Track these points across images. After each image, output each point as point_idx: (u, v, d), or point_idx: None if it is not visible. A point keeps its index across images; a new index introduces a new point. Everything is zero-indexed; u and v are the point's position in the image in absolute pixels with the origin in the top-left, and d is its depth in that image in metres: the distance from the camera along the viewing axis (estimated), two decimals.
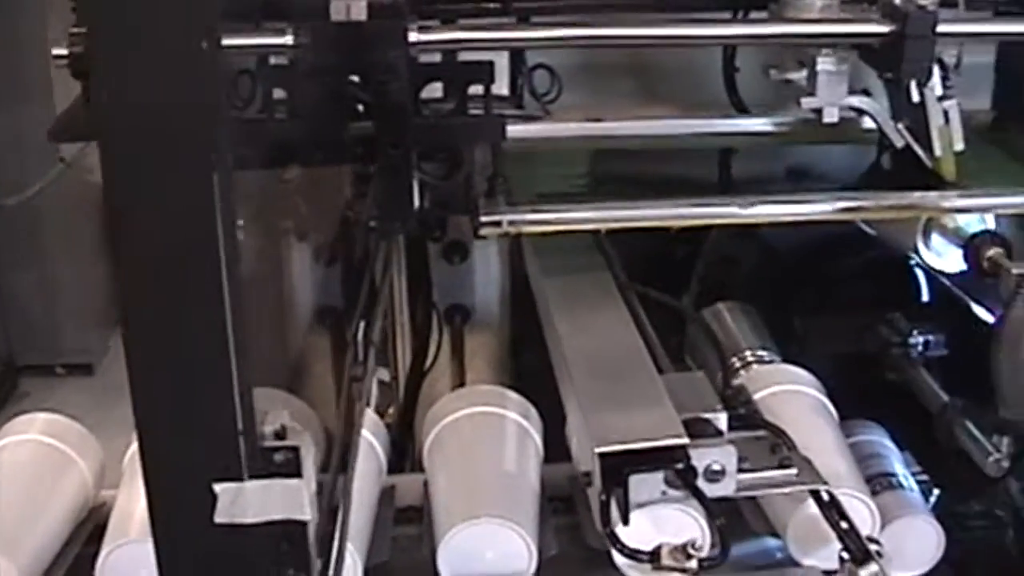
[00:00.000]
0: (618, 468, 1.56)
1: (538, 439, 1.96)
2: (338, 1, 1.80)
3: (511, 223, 1.97)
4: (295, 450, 1.22)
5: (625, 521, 1.59)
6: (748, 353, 2.18)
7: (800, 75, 2.09)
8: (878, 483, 2.17)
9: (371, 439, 1.94)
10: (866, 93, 2.15)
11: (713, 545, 1.62)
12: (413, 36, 1.83)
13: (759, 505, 1.88)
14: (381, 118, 1.86)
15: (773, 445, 1.72)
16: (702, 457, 1.60)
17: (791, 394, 2.04)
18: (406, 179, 1.92)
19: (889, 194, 2.11)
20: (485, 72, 1.96)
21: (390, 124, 1.86)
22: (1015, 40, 2.22)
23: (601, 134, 2.30)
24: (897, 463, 2.25)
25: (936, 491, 2.38)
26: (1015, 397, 1.91)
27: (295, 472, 1.23)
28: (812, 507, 1.74)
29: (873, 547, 1.73)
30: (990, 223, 2.14)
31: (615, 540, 1.57)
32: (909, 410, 2.25)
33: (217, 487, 1.21)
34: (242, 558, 1.26)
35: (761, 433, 1.74)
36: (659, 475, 1.59)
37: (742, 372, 2.12)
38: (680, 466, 1.58)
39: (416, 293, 2.41)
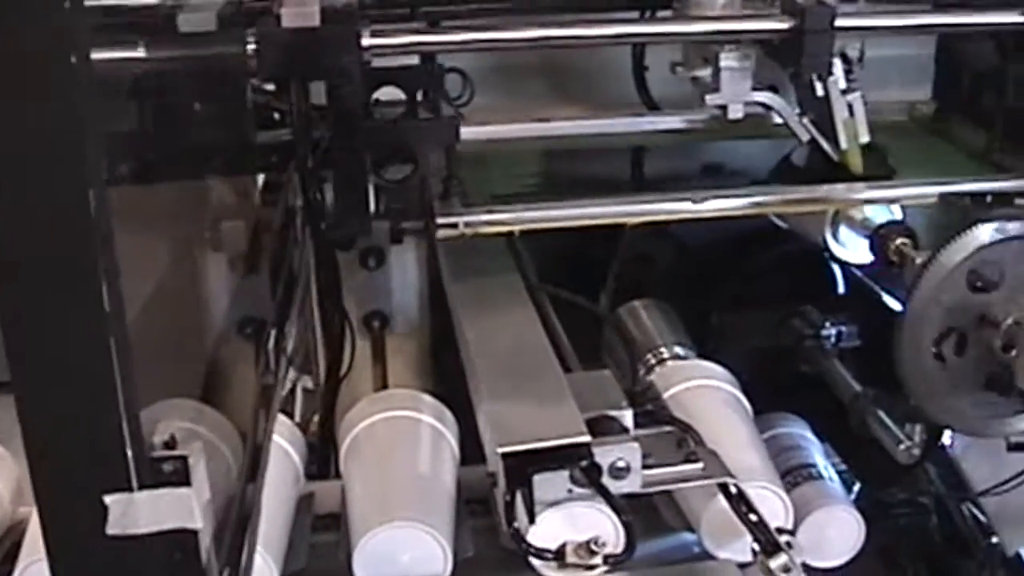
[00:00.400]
0: (521, 468, 1.57)
1: (454, 441, 1.96)
2: (291, 8, 1.81)
3: (467, 224, 2.01)
4: (184, 459, 1.22)
5: (531, 520, 1.59)
6: (663, 350, 2.19)
7: (706, 72, 2.11)
8: (798, 474, 2.19)
9: (286, 446, 1.94)
10: (773, 89, 2.17)
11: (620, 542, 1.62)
12: (366, 40, 1.86)
13: (674, 500, 1.89)
14: (335, 123, 1.90)
15: (680, 440, 1.73)
16: (606, 455, 1.60)
17: (704, 389, 2.05)
18: (362, 184, 1.95)
19: (798, 188, 2.14)
20: (437, 77, 2.05)
21: (344, 129, 1.90)
22: (915, 33, 2.26)
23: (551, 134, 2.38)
24: (817, 454, 2.27)
25: (858, 481, 2.40)
26: (919, 385, 1.93)
27: (184, 481, 1.22)
28: (724, 501, 1.75)
29: (784, 538, 1.75)
30: (898, 214, 2.16)
31: (519, 540, 1.57)
32: (827, 402, 2.27)
33: (107, 498, 1.20)
34: (137, 569, 1.25)
35: (668, 429, 1.75)
36: (564, 474, 1.59)
37: (657, 368, 2.13)
38: (584, 464, 1.58)
39: (328, 300, 2.40)
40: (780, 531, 1.78)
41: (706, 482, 1.69)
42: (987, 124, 2.39)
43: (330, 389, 2.48)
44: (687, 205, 2.07)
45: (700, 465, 1.69)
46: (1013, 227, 1.88)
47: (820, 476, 2.21)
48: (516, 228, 2.07)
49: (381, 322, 2.51)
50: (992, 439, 2.10)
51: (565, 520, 1.62)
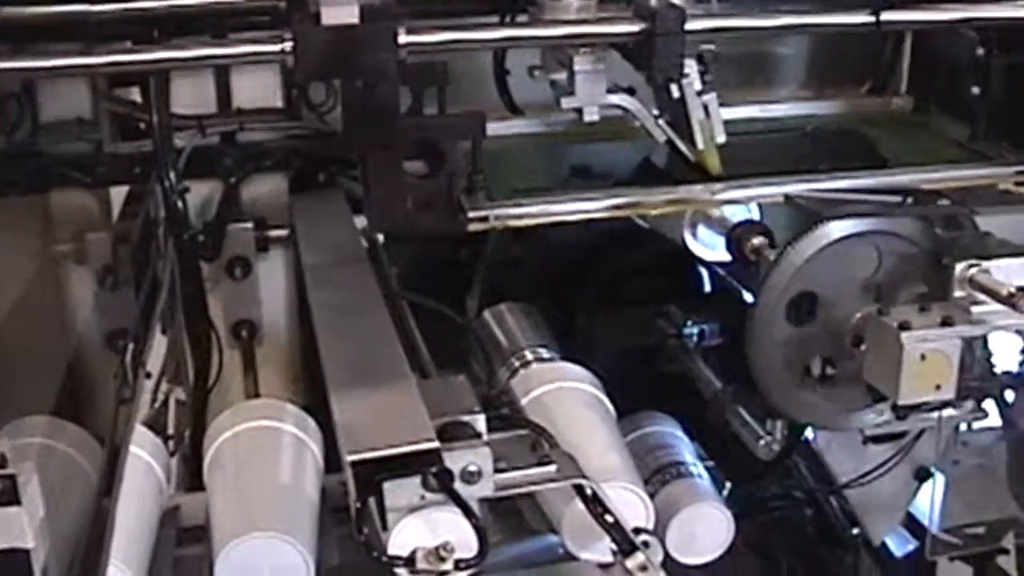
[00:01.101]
0: (371, 475, 1.56)
1: (317, 450, 1.96)
2: (330, 6, 1.84)
3: (497, 218, 2.09)
4: (12, 478, 1.21)
5: (384, 527, 1.58)
6: (527, 352, 2.20)
7: (562, 75, 2.12)
8: (667, 473, 2.21)
9: (148, 459, 1.92)
10: (630, 91, 2.18)
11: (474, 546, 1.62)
12: (403, 38, 1.89)
13: (537, 503, 1.90)
14: (370, 120, 1.93)
15: (534, 443, 1.73)
16: (457, 460, 1.60)
17: (565, 391, 2.06)
18: (398, 179, 2.00)
19: (658, 190, 2.15)
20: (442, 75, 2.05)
21: (380, 126, 1.93)
22: (765, 35, 2.30)
23: None
24: (687, 452, 2.29)
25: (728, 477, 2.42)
26: (770, 381, 1.95)
27: (13, 500, 1.22)
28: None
29: (642, 537, 1.76)
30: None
31: (370, 548, 1.57)
32: (697, 400, 2.28)
33: None
34: None
35: (522, 432, 1.75)
36: (415, 480, 1.58)
37: (520, 371, 2.14)
38: (435, 470, 1.58)
39: (193, 310, 2.39)
40: (639, 531, 1.79)
41: (559, 484, 1.69)
42: (966, 116, 2.47)
43: (199, 400, 2.47)
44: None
45: (554, 467, 1.69)
46: (862, 224, 1.91)
47: (689, 474, 2.23)
48: (543, 220, 2.15)
49: (249, 332, 2.50)
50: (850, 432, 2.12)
51: (419, 526, 1.61)
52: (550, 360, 2.19)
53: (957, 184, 2.29)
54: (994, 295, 1.78)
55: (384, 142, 1.96)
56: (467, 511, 1.60)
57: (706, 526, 2.16)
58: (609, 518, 1.72)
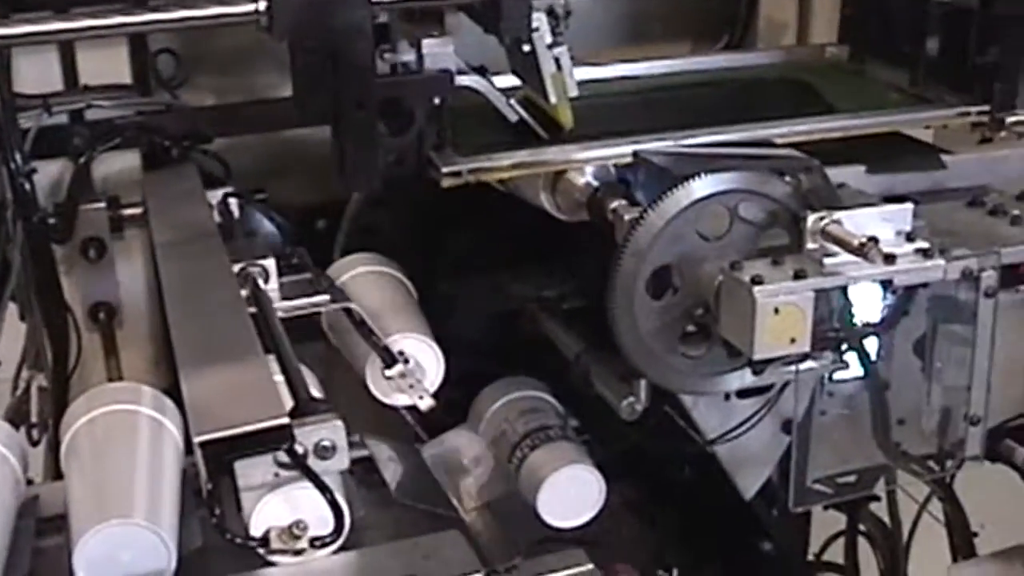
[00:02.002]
0: (221, 455, 1.53)
1: (176, 432, 1.92)
2: None
3: (471, 171, 2.08)
4: None
5: (238, 508, 1.56)
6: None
7: (411, 57, 2.10)
8: (536, 437, 2.20)
9: (2, 450, 1.88)
10: (481, 71, 2.17)
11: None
12: None
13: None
14: (345, 80, 1.95)
15: (315, 284, 1.76)
16: (309, 435, 1.57)
17: (367, 274, 2.25)
18: (371, 139, 2.02)
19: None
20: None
21: (354, 85, 1.97)
22: None
23: None
24: (556, 415, 2.27)
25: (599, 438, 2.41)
26: (631, 342, 1.94)
27: None
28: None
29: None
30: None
31: (223, 529, 1.54)
32: (559, 363, 2.27)
33: None
34: None
35: (309, 276, 1.79)
36: (267, 458, 1.55)
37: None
38: (286, 447, 1.55)
39: (47, 294, 2.34)
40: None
41: (332, 307, 1.80)
42: (901, 62, 2.52)
43: (60, 386, 2.42)
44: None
45: (327, 296, 1.79)
46: (722, 181, 1.90)
47: (560, 437, 2.22)
48: (516, 173, 2.12)
49: (108, 314, 2.45)
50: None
51: (273, 505, 1.59)
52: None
53: (901, 128, 2.39)
54: (845, 245, 1.78)
55: (359, 102, 1.99)
56: (322, 487, 1.57)
57: (579, 488, 2.15)
58: (375, 339, 1.89)
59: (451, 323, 2.33)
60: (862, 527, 3.08)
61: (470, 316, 2.39)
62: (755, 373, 1.95)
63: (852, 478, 2.36)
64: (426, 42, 2.08)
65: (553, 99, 2.14)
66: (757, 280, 1.76)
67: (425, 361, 2.07)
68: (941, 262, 1.85)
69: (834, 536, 3.20)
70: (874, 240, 1.79)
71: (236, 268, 1.72)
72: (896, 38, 2.57)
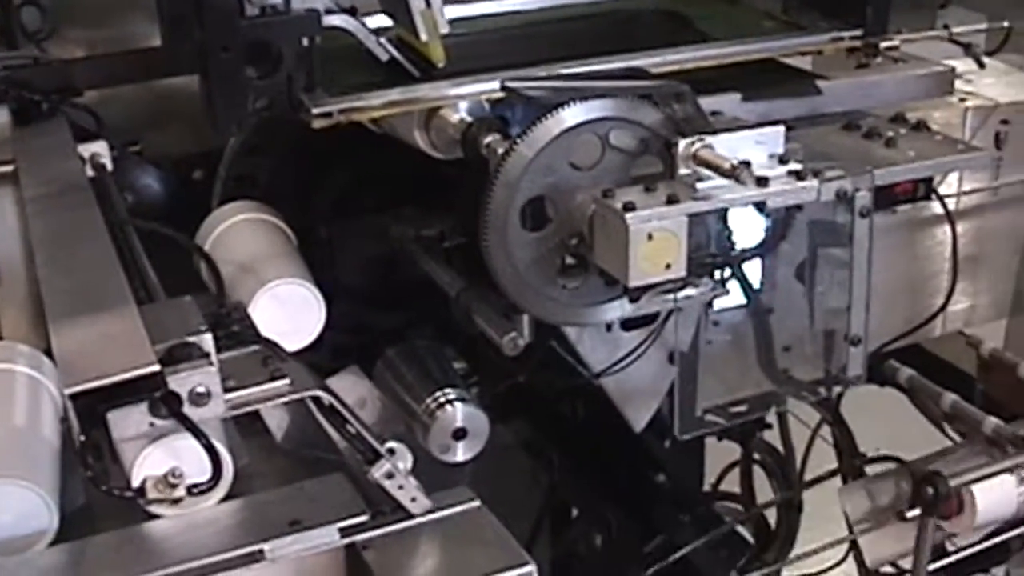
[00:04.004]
0: (92, 406, 1.51)
1: (55, 390, 1.89)
2: None
3: (342, 112, 2.06)
4: None
5: (113, 459, 1.53)
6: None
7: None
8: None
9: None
10: (351, 11, 2.15)
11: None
12: None
13: None
14: (210, 23, 1.93)
15: (265, 358, 1.68)
16: (183, 382, 1.55)
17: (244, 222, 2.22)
18: (239, 83, 2.00)
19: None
20: None
21: (220, 28, 1.94)
22: None
23: None
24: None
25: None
26: (509, 281, 1.93)
27: None
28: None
29: (388, 444, 1.73)
30: None
31: (96, 481, 1.52)
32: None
33: None
34: None
35: (254, 348, 1.70)
36: (141, 407, 1.53)
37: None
38: (159, 394, 1.53)
39: None
40: (381, 438, 1.76)
41: (296, 396, 1.65)
42: None
43: None
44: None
45: (286, 381, 1.65)
46: (591, 109, 1.89)
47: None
48: (388, 112, 2.11)
49: None
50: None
51: (150, 454, 1.57)
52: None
53: (774, 54, 2.40)
54: (717, 169, 1.78)
55: (224, 45, 1.96)
56: (197, 434, 1.56)
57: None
58: (350, 428, 1.69)
59: (333, 267, 2.31)
60: (756, 456, 3.11)
61: (352, 259, 2.37)
62: (632, 301, 1.94)
63: (743, 407, 2.38)
64: None
65: (424, 36, 2.12)
66: (629, 207, 1.75)
67: (306, 307, 2.05)
68: (814, 183, 1.86)
69: (730, 466, 3.23)
70: (746, 163, 1.79)
71: (163, 348, 1.60)
72: None
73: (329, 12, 2.11)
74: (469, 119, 2.10)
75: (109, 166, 2.23)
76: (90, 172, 2.20)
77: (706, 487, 3.27)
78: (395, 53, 2.17)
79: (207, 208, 2.32)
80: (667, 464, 2.74)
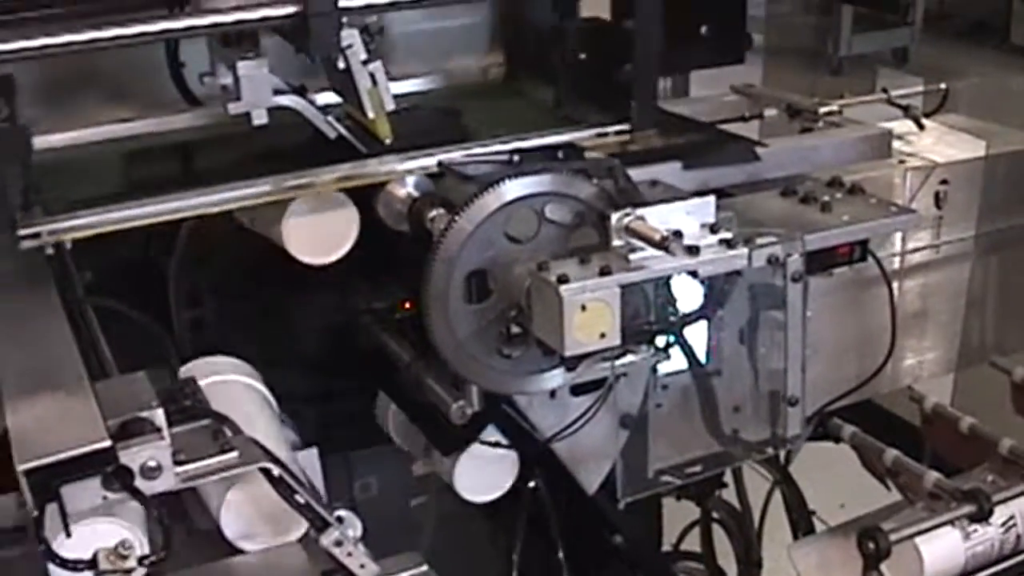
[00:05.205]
0: (46, 482, 1.55)
1: None
2: None
3: (51, 233, 2.03)
4: None
5: (67, 533, 1.57)
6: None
7: (231, 80, 2.13)
8: None
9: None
10: (300, 90, 2.21)
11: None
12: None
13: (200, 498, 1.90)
14: None
15: (215, 432, 1.73)
16: (135, 457, 1.60)
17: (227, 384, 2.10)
18: None
19: (336, 167, 2.17)
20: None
21: None
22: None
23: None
24: None
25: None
26: (452, 352, 1.98)
27: None
28: (237, 491, 1.81)
29: (339, 512, 1.79)
30: None
31: (50, 556, 1.56)
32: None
33: None
34: None
35: (204, 423, 1.75)
36: (94, 481, 1.58)
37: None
38: (111, 468, 1.57)
39: None
40: (331, 506, 1.81)
41: (245, 469, 1.70)
42: (554, 80, 2.51)
43: None
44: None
45: (235, 453, 1.70)
46: (530, 185, 1.95)
47: None
48: (99, 231, 2.08)
49: None
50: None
51: (102, 527, 1.61)
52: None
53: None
54: (648, 240, 1.83)
55: None
56: (148, 507, 1.60)
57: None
58: (299, 498, 1.74)
59: (290, 339, 2.36)
60: (715, 514, 3.16)
61: (307, 331, 2.42)
62: (569, 370, 2.00)
63: (698, 467, 2.42)
64: (241, 64, 2.10)
65: (371, 113, 2.18)
66: (563, 279, 1.80)
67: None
68: (744, 251, 1.91)
69: (690, 525, 3.28)
70: (677, 234, 1.85)
71: (115, 423, 1.62)
72: (545, 56, 2.56)
73: (279, 92, 2.17)
74: (416, 193, 2.16)
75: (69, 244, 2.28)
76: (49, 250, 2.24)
77: (668, 547, 3.32)
78: (343, 131, 2.23)
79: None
80: (622, 525, 2.78)
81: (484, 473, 2.25)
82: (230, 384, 2.08)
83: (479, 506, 2.77)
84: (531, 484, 2.67)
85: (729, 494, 3.08)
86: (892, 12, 9.65)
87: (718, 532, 3.21)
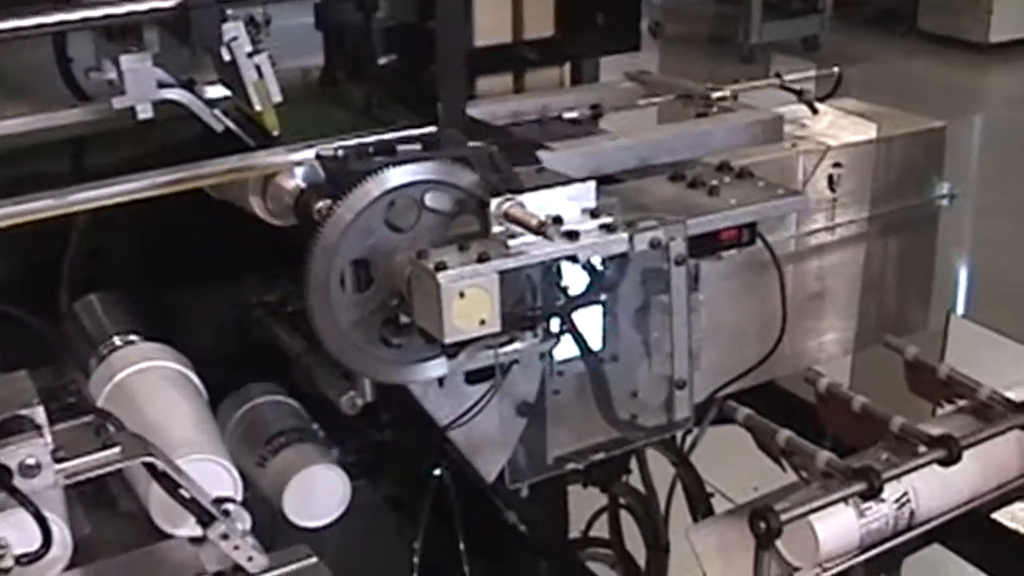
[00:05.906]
0: None
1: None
2: None
3: None
4: None
5: None
6: (116, 339, 2.19)
7: (114, 75, 2.12)
8: (278, 441, 2.24)
9: None
10: (188, 84, 2.20)
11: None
12: None
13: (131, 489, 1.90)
14: None
15: (98, 428, 1.73)
16: (12, 455, 1.60)
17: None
18: None
19: (224, 159, 2.17)
20: None
21: None
22: None
23: None
24: (298, 417, 2.32)
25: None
26: (335, 344, 1.99)
27: None
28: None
29: (224, 506, 1.79)
30: None
31: None
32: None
33: None
34: None
35: (87, 419, 1.75)
36: None
37: (108, 357, 2.13)
38: None
39: None
40: (222, 500, 1.81)
41: (125, 464, 1.70)
42: (367, 81, 2.49)
43: None
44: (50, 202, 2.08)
45: (117, 449, 1.70)
46: (409, 173, 1.96)
47: (300, 439, 2.27)
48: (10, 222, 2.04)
49: None
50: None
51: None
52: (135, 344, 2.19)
53: None
54: (526, 226, 1.85)
55: None
56: (27, 504, 1.60)
57: (322, 487, 2.20)
58: (184, 493, 1.74)
59: (183, 335, 2.35)
60: (621, 500, 3.17)
61: (201, 326, 2.41)
62: (450, 357, 2.00)
63: (602, 454, 2.43)
64: (124, 58, 2.09)
65: (258, 106, 2.18)
66: (441, 266, 1.82)
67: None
68: (624, 235, 1.93)
69: (598, 512, 3.29)
70: (557, 219, 1.86)
71: None
72: (360, 56, 2.54)
73: (164, 86, 2.16)
74: (303, 185, 2.16)
75: None
76: None
77: (577, 534, 3.33)
78: (230, 124, 2.23)
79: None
80: (526, 514, 2.79)
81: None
82: (160, 370, 2.10)
83: (383, 497, 2.80)
84: (436, 473, 2.69)
85: (635, 480, 3.09)
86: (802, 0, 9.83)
87: (627, 518, 3.23)
